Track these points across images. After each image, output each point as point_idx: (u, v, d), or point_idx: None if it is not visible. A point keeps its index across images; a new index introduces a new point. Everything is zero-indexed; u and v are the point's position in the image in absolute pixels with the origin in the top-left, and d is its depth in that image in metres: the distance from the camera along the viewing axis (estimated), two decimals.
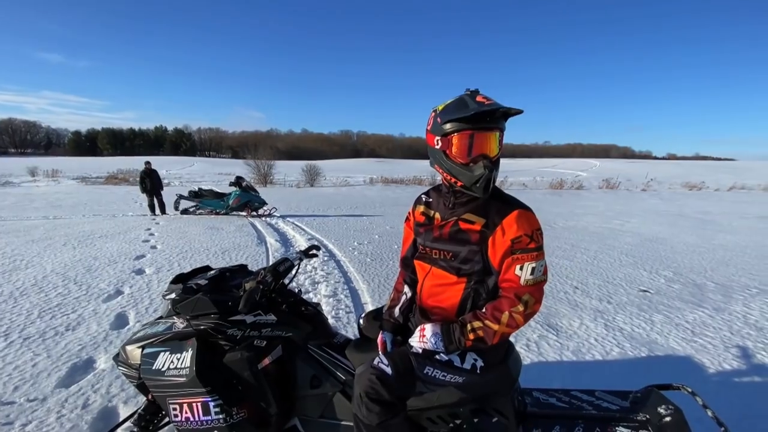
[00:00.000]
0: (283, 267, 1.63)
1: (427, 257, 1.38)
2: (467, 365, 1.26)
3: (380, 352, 1.37)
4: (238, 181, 10.40)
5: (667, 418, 1.24)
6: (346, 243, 6.45)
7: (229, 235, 7.14)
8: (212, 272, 1.70)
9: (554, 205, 14.35)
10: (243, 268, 1.84)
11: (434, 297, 1.36)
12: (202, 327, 1.49)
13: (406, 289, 1.54)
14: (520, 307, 1.19)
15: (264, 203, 10.32)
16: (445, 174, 1.28)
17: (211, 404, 1.36)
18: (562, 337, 3.03)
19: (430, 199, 1.45)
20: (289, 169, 30.27)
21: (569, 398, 1.45)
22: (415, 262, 1.45)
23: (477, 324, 1.22)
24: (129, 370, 1.59)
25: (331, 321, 2.52)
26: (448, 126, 1.19)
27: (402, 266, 1.59)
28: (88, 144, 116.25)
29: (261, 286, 1.45)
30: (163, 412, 1.71)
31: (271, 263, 1.60)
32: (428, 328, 1.27)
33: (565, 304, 3.77)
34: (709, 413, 1.24)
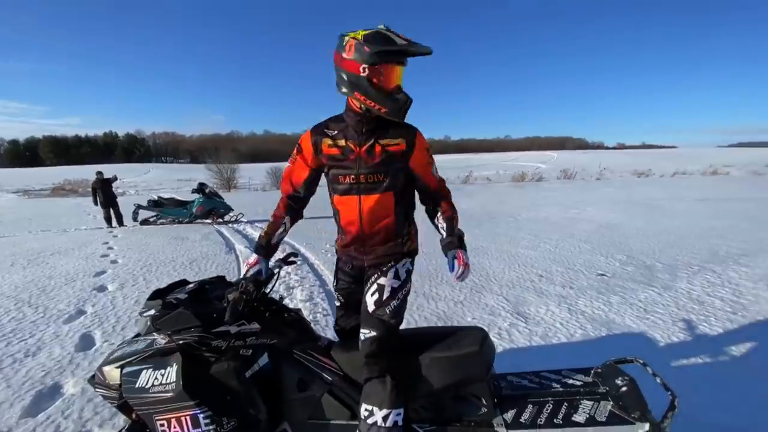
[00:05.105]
0: (263, 276, 1.65)
1: (359, 187, 1.47)
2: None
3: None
4: (201, 188, 10.08)
5: (624, 388, 1.40)
6: (318, 246, 6.43)
7: (195, 244, 6.91)
8: (191, 285, 1.69)
9: (517, 197, 14.97)
10: (221, 279, 1.84)
11: (378, 222, 1.52)
12: (184, 341, 1.48)
13: (287, 219, 1.65)
14: (450, 195, 1.62)
15: (230, 209, 10.06)
16: (368, 101, 1.37)
17: (201, 416, 1.37)
18: (531, 323, 3.23)
19: (334, 132, 1.50)
20: (253, 173, 29.48)
21: (539, 379, 1.58)
22: (341, 198, 1.53)
23: (456, 217, 1.58)
24: (108, 391, 1.55)
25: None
26: (378, 56, 1.31)
27: (289, 200, 1.65)
28: (27, 153, 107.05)
29: (244, 296, 1.47)
30: (148, 430, 1.68)
31: (245, 272, 1.62)
32: (462, 254, 1.46)
33: (532, 292, 3.99)
34: (658, 380, 1.41)
